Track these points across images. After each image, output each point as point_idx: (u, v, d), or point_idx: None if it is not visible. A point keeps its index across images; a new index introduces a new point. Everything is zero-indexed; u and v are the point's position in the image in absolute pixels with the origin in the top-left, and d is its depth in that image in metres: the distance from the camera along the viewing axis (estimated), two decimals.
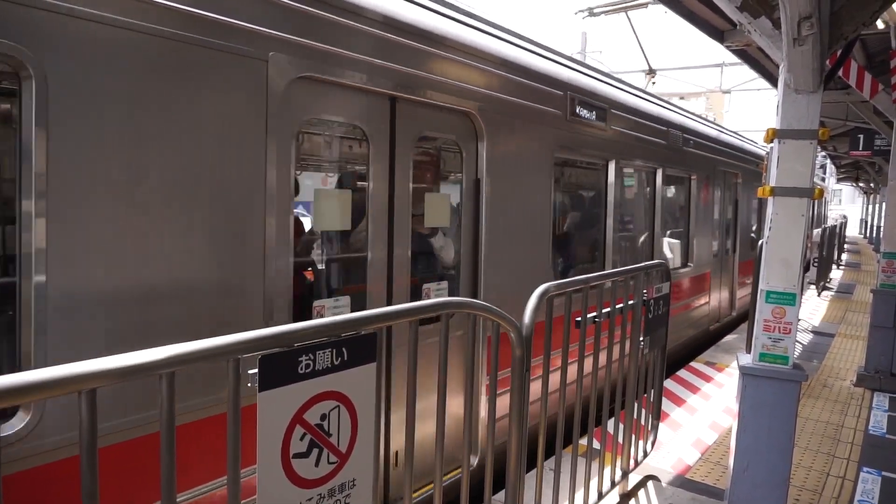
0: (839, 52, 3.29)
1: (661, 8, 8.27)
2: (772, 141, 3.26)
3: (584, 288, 3.14)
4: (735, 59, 9.05)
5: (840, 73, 6.91)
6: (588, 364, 3.23)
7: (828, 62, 3.36)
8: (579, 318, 3.15)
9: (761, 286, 3.31)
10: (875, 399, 6.17)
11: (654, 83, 9.20)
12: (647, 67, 8.87)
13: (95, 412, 1.28)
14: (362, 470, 1.88)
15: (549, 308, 2.82)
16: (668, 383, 6.40)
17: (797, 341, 8.64)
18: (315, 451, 1.73)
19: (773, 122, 3.31)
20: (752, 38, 3.29)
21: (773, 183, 3.24)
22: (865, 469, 4.48)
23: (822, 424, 5.39)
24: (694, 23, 7.25)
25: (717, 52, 9.55)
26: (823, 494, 4.09)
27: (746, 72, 11.20)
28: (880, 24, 5.79)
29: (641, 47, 8.06)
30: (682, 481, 4.22)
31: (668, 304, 4.08)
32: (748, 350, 3.55)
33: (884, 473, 4.41)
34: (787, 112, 3.19)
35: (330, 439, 1.76)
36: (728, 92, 26.68)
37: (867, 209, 38.30)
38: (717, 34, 7.53)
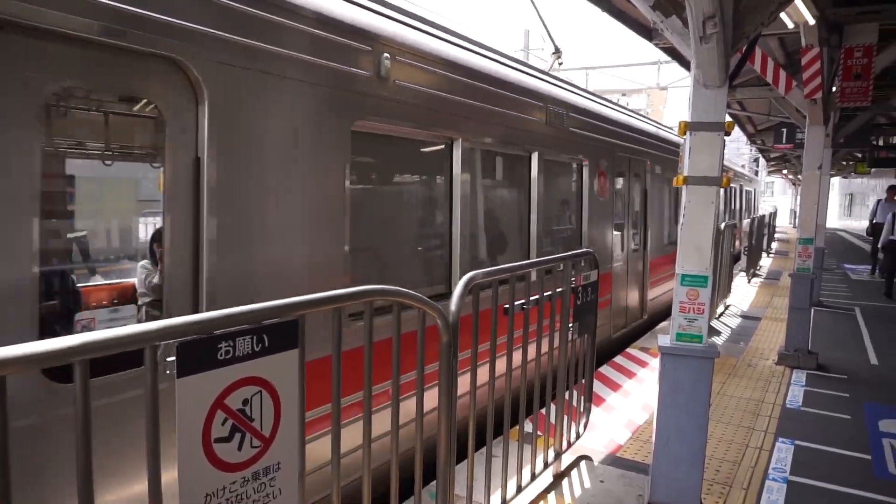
0: (744, 49, 3.52)
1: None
2: (685, 133, 3.47)
3: (512, 276, 3.27)
4: (669, 57, 9.44)
5: (759, 70, 7.32)
6: (518, 351, 3.36)
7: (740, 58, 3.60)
8: (508, 306, 3.28)
9: (677, 270, 3.51)
10: (794, 375, 6.59)
11: (560, 64, 8.12)
12: (553, 48, 8.19)
13: (6, 399, 1.30)
14: (287, 453, 1.93)
15: (476, 295, 2.93)
16: (604, 369, 6.66)
17: (727, 325, 9.11)
18: (237, 436, 1.77)
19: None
20: (666, 35, 3.49)
21: (685, 172, 3.44)
22: (781, 439, 4.81)
23: (744, 401, 5.72)
24: (624, 22, 7.53)
25: (655, 50, 9.35)
26: (742, 465, 4.36)
27: (683, 69, 11.47)
28: (791, 24, 6.16)
29: (546, 28, 8.11)
30: (613, 459, 4.42)
31: (596, 292, 4.26)
32: None
33: (796, 442, 4.75)
34: (697, 105, 3.40)
35: (252, 424, 1.81)
36: (665, 88, 27.70)
37: (796, 200, 40.34)
38: (647, 32, 7.84)
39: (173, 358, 1.59)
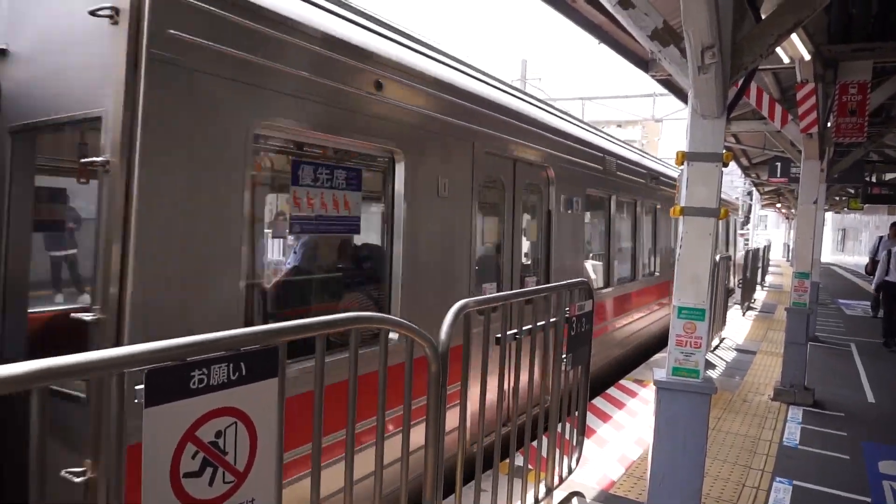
0: (741, 82, 3.50)
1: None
2: (682, 163, 3.43)
3: (504, 305, 3.18)
4: (665, 89, 9.51)
5: (755, 104, 7.35)
6: (510, 382, 3.26)
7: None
8: (500, 336, 3.18)
9: (674, 302, 3.43)
10: (790, 412, 6.47)
11: None
12: None
13: None
14: (262, 489, 1.82)
15: (467, 324, 2.83)
16: (597, 401, 6.53)
17: (722, 359, 9.01)
18: (209, 470, 1.67)
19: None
20: (663, 65, 3.46)
21: (683, 203, 3.39)
22: (778, 479, 4.68)
23: (740, 438, 5.60)
24: (621, 53, 7.58)
25: (651, 82, 9.24)
26: None
27: (678, 101, 11.48)
28: (786, 59, 6.20)
29: None
30: (606, 497, 4.29)
31: (591, 322, 4.17)
32: None
33: (794, 482, 4.62)
34: (695, 136, 3.36)
35: (226, 457, 1.71)
36: (660, 121, 27.99)
37: (789, 234, 40.52)
38: (643, 64, 7.90)
39: (141, 386, 1.49)
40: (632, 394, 6.94)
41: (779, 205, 35.55)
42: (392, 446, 2.60)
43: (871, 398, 7.32)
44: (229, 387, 1.69)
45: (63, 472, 2.25)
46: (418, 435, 2.64)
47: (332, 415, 2.18)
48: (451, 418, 2.92)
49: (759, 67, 6.40)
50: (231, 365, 1.69)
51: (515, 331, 3.29)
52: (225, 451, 1.70)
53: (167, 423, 1.55)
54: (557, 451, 3.89)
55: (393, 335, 3.06)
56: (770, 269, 27.16)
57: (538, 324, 3.49)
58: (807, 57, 6.03)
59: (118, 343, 2.33)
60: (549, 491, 3.85)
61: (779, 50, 6.01)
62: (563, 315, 3.74)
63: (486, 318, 3.06)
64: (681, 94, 9.30)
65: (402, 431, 2.49)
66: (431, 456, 2.57)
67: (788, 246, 40.49)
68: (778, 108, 7.18)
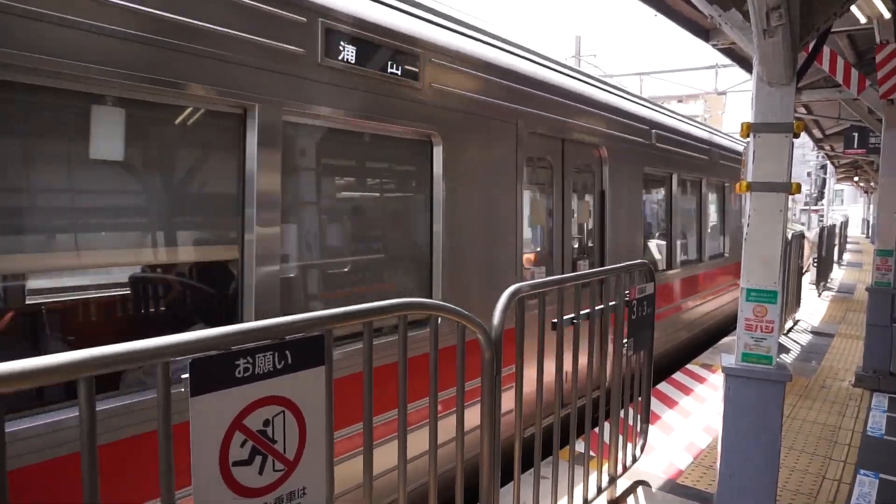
0: (812, 45, 3.24)
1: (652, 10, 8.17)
2: (747, 135, 3.21)
3: (560, 288, 3.08)
4: (728, 59, 9.03)
5: (828, 70, 6.87)
6: (568, 367, 3.16)
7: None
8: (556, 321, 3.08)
9: (742, 284, 3.24)
10: (874, 399, 6.06)
11: None
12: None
13: (4, 420, 1.22)
14: (313, 477, 1.81)
15: (521, 309, 2.75)
16: (663, 386, 6.31)
17: (796, 342, 8.54)
18: (258, 459, 1.66)
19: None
20: (724, 30, 3.25)
21: (749, 178, 3.18)
22: (862, 472, 4.38)
23: (818, 426, 5.28)
24: (679, 23, 7.24)
25: (712, 53, 8.61)
26: (818, 498, 3.98)
27: (742, 72, 10.87)
28: (863, 19, 5.74)
29: None
30: (673, 486, 4.12)
31: (653, 305, 4.00)
32: None
33: (881, 476, 4.31)
34: (761, 105, 3.14)
35: (275, 446, 1.70)
36: (724, 93, 26.70)
37: (868, 208, 38.13)
38: (703, 33, 7.52)
39: (187, 375, 1.49)
40: (700, 379, 6.67)
41: (856, 178, 33.44)
42: (445, 428, 2.56)
43: None
44: (275, 375, 1.67)
45: None
46: (472, 416, 2.59)
47: (379, 398, 2.15)
48: (507, 401, 2.84)
49: (832, 29, 5.97)
50: (276, 353, 1.67)
51: (572, 315, 3.18)
52: (274, 439, 1.69)
53: (214, 412, 1.55)
54: (620, 437, 3.76)
55: None
56: (848, 246, 25.66)
57: (596, 308, 3.37)
58: (886, 15, 5.56)
59: None
60: (613, 480, 3.73)
61: (854, 9, 5.56)
62: (622, 298, 3.59)
63: (541, 302, 2.96)
64: (745, 64, 8.82)
65: (455, 413, 2.45)
66: (487, 442, 2.51)
67: (868, 221, 38.14)
68: (854, 73, 6.68)
